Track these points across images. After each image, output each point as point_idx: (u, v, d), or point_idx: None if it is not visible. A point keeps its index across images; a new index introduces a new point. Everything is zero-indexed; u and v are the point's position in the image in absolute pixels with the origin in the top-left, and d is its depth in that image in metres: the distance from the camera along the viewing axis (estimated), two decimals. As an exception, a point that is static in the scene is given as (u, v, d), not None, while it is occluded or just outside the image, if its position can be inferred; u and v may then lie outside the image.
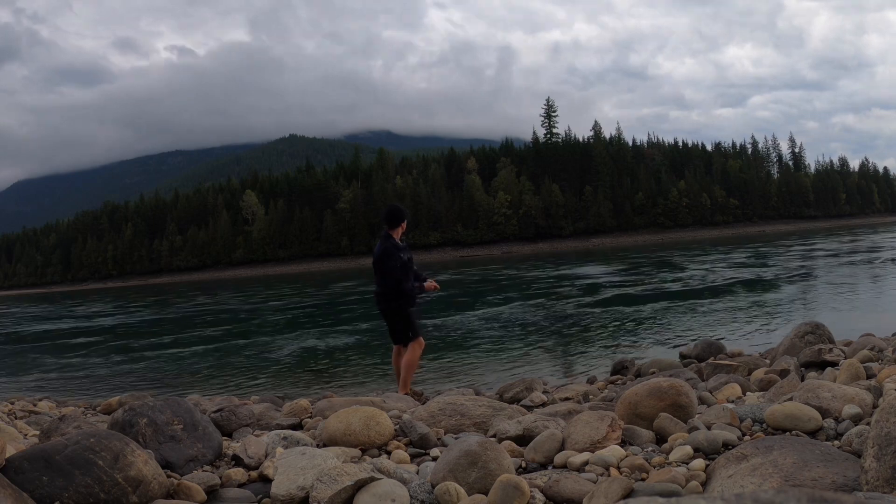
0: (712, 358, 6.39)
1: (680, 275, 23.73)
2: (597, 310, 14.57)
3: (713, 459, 2.54)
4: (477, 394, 5.90)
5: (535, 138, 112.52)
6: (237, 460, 2.93)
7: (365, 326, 14.24)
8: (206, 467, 2.90)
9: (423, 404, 4.53)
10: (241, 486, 2.68)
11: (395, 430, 3.34)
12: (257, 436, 3.36)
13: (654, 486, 2.33)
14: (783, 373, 4.56)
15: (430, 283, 6.08)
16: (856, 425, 2.71)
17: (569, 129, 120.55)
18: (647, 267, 30.28)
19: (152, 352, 13.49)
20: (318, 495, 2.35)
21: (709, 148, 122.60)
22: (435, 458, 2.90)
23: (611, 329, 11.64)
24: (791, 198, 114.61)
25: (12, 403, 6.73)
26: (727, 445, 2.68)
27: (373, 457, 3.00)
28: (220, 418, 3.82)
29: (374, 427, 3.18)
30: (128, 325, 22.80)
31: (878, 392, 3.20)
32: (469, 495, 2.35)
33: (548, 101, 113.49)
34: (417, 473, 2.67)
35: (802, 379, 4.18)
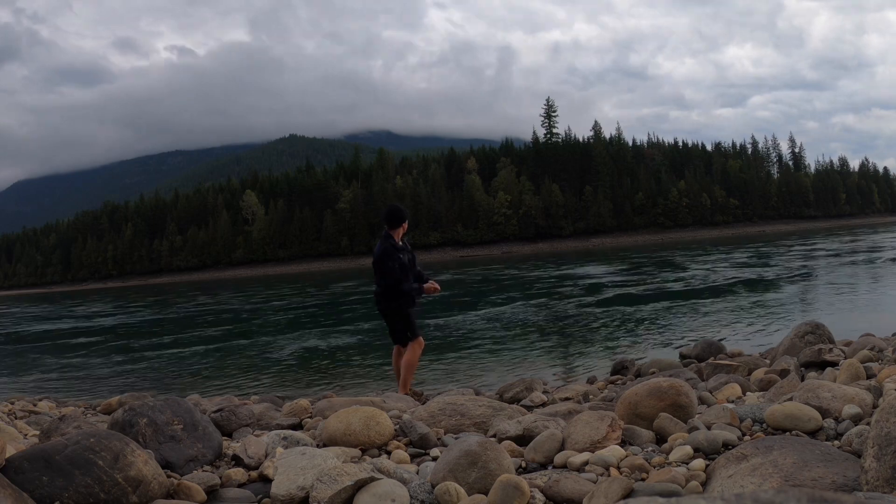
0: (712, 358, 6.39)
1: (680, 275, 23.73)
2: (597, 310, 14.57)
3: (713, 459, 2.54)
4: (477, 394, 5.90)
5: (535, 138, 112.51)
6: (237, 460, 2.93)
7: (365, 326, 14.24)
8: (206, 467, 2.90)
9: (423, 404, 4.53)
10: (241, 486, 2.68)
11: (395, 430, 3.34)
12: (257, 436, 3.36)
13: (654, 486, 2.33)
14: (783, 373, 4.56)
15: (429, 285, 6.03)
16: (856, 425, 2.71)
17: (569, 129, 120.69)
18: (647, 267, 30.28)
19: (152, 352, 13.49)
20: (318, 495, 2.35)
21: (709, 148, 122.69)
22: (435, 458, 2.90)
23: (611, 329, 11.64)
24: (791, 198, 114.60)
25: (12, 403, 6.73)
26: (727, 445, 2.68)
27: (373, 457, 3.00)
28: (220, 418, 3.82)
29: (374, 427, 3.18)
30: (128, 325, 22.80)
31: (878, 392, 3.20)
32: (469, 495, 2.35)
33: (548, 101, 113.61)
34: (417, 473, 2.67)
35: (802, 379, 4.18)
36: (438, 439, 3.30)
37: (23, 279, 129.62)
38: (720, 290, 16.79)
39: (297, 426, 3.98)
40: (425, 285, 6.01)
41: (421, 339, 6.04)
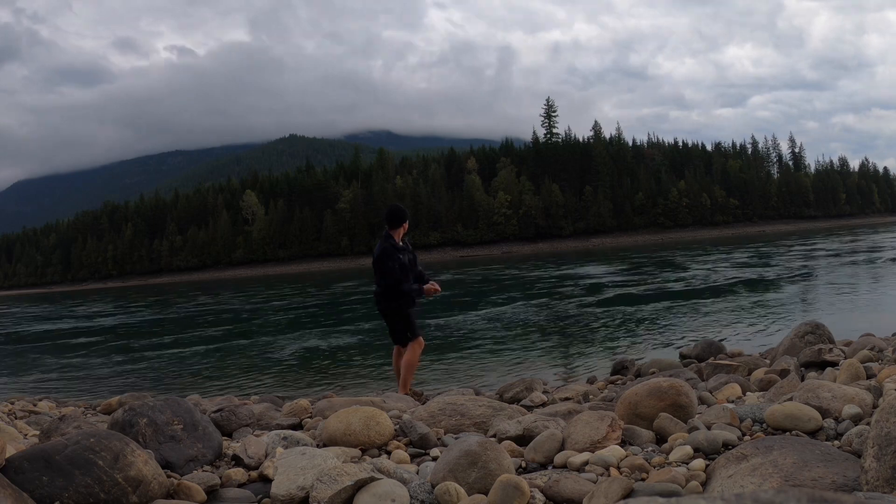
0: (712, 358, 6.39)
1: (680, 275, 23.73)
2: (597, 310, 14.57)
3: (713, 459, 2.54)
4: (477, 394, 5.90)
5: (535, 138, 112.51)
6: (237, 460, 2.93)
7: (365, 327, 14.24)
8: (206, 467, 2.90)
9: (423, 404, 4.53)
10: (241, 486, 2.68)
11: (395, 430, 3.34)
12: (257, 436, 3.36)
13: (654, 486, 2.33)
14: (783, 373, 4.56)
15: (429, 286, 5.99)
16: (856, 425, 2.71)
17: (569, 129, 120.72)
18: (647, 267, 30.28)
19: (152, 352, 13.49)
20: (318, 495, 2.35)
21: (709, 148, 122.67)
22: (435, 458, 2.90)
23: (611, 329, 11.64)
24: (791, 198, 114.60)
25: (12, 403, 6.73)
26: (727, 445, 2.68)
27: (373, 457, 3.00)
28: (220, 418, 3.82)
29: (374, 427, 3.18)
30: (128, 325, 22.80)
31: (878, 392, 3.20)
32: (469, 495, 2.35)
33: (548, 101, 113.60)
34: (417, 473, 2.67)
35: (802, 379, 4.18)
36: (438, 439, 3.30)
37: (23, 279, 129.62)
38: (720, 290, 16.79)
39: (297, 426, 3.98)
40: (425, 286, 5.99)
41: (421, 339, 6.03)
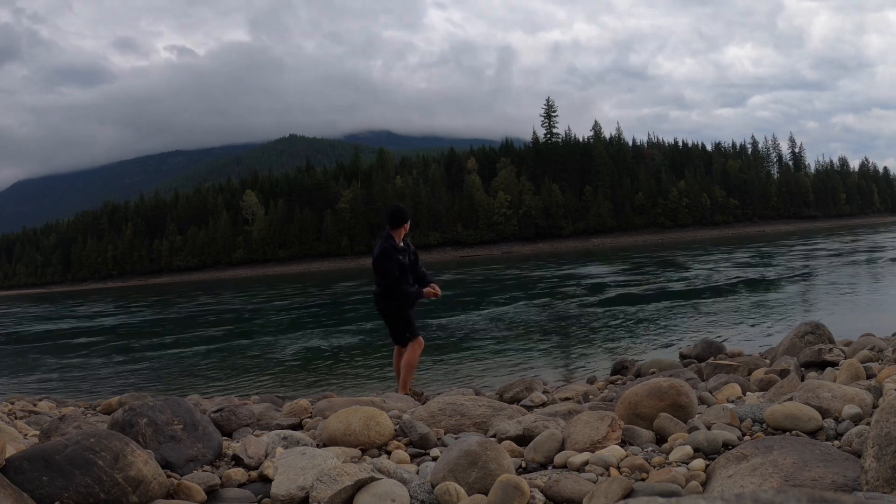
0: (712, 358, 6.39)
1: (680, 274, 23.74)
2: (597, 310, 14.57)
3: (713, 459, 2.54)
4: (477, 394, 5.89)
5: (535, 138, 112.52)
6: (237, 460, 2.93)
7: (366, 327, 14.25)
8: (206, 467, 2.90)
9: (423, 404, 4.52)
10: (241, 486, 2.68)
11: (395, 430, 3.34)
12: (257, 436, 3.36)
13: (654, 486, 2.33)
14: (783, 373, 4.56)
15: (429, 290, 5.94)
16: (856, 425, 2.71)
17: (569, 129, 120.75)
18: (647, 267, 30.28)
19: (153, 352, 13.50)
20: (318, 495, 2.35)
21: (709, 148, 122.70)
22: (435, 458, 2.90)
23: (611, 329, 11.64)
24: (791, 198, 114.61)
25: (12, 403, 6.73)
26: (727, 445, 2.68)
27: (373, 457, 3.00)
28: (220, 418, 3.82)
29: (374, 427, 3.18)
30: (128, 325, 22.81)
31: (878, 392, 3.20)
32: (469, 495, 2.35)
33: (548, 101, 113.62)
34: (417, 473, 2.67)
35: (802, 379, 4.18)
36: (438, 439, 3.30)
37: (23, 279, 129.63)
38: (720, 290, 16.79)
39: (297, 426, 3.98)
40: (425, 290, 5.94)
41: (420, 338, 6.02)
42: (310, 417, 4.18)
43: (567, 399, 5.06)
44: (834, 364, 4.59)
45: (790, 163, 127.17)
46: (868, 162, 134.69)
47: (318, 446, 3.09)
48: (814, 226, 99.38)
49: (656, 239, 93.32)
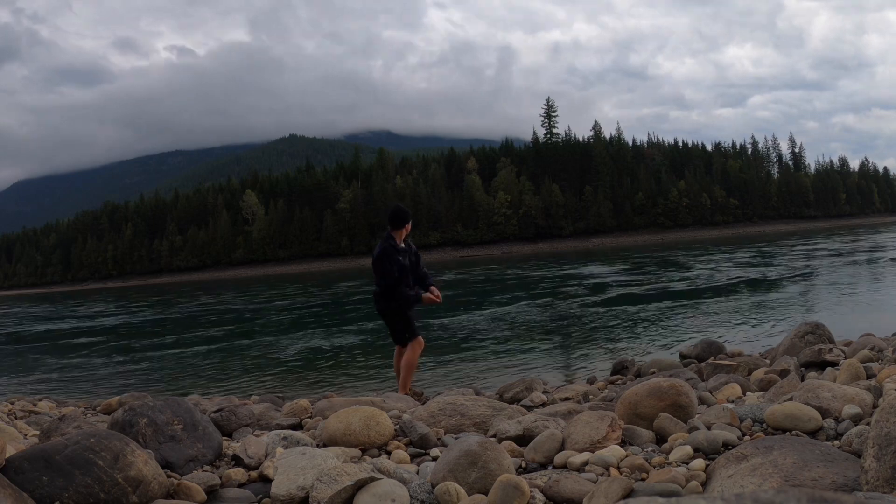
0: (712, 358, 6.39)
1: (680, 274, 23.73)
2: (597, 310, 14.57)
3: (713, 459, 2.54)
4: (477, 394, 5.89)
5: (535, 138, 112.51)
6: (237, 460, 2.93)
7: (366, 327, 14.25)
8: (206, 467, 2.90)
9: (423, 404, 4.52)
10: (241, 486, 2.68)
11: (395, 430, 3.34)
12: (257, 436, 3.36)
13: (654, 486, 2.33)
14: (783, 373, 4.56)
15: (428, 296, 5.91)
16: (856, 425, 2.71)
17: (569, 129, 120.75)
18: (648, 267, 30.28)
19: (153, 352, 13.50)
20: (318, 495, 2.35)
21: (709, 148, 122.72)
22: (435, 458, 2.90)
23: (611, 329, 11.64)
24: (791, 198, 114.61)
25: (12, 403, 6.73)
26: (727, 445, 2.68)
27: (373, 457, 3.00)
28: (220, 418, 3.82)
29: (374, 427, 3.18)
30: (129, 325, 22.81)
31: (878, 392, 3.20)
32: (469, 495, 2.35)
33: (548, 101, 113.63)
34: (417, 473, 2.67)
35: (802, 379, 4.18)
36: (438, 439, 3.30)
37: (23, 279, 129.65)
38: (720, 290, 16.79)
39: (297, 426, 3.98)
40: (424, 295, 5.90)
41: (420, 339, 6.01)
42: (310, 417, 4.18)
43: (567, 399, 5.06)
44: (834, 364, 4.59)
45: (790, 163, 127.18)
46: (868, 162, 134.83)
47: (318, 446, 3.09)
48: (814, 226, 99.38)
49: (656, 239, 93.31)
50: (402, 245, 5.92)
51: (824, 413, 2.89)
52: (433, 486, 2.40)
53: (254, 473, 2.76)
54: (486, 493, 2.33)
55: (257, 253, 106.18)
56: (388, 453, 3.08)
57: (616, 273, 28.02)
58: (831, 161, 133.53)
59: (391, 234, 5.89)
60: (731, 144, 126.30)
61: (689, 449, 2.64)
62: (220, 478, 2.69)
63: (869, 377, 3.71)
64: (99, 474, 2.33)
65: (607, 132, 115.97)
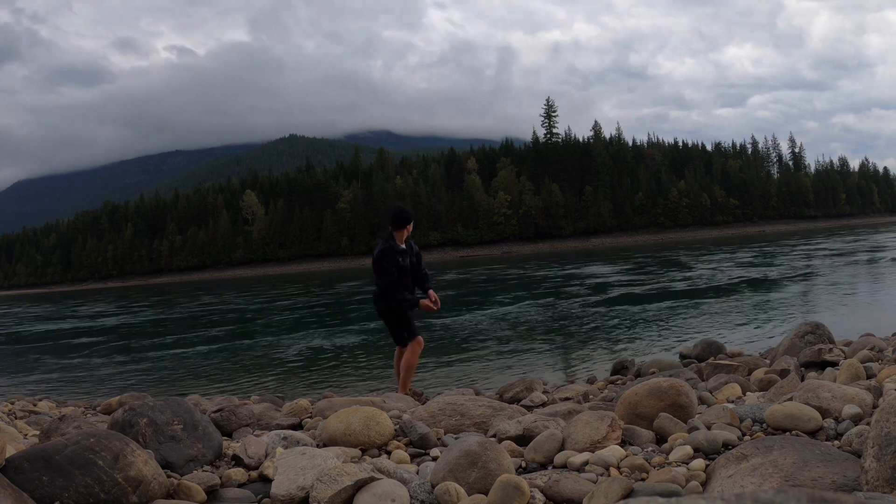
0: (712, 358, 6.39)
1: (680, 275, 23.74)
2: (597, 309, 14.57)
3: (713, 459, 2.54)
4: (477, 394, 5.89)
5: (535, 138, 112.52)
6: (237, 460, 2.93)
7: (366, 327, 14.25)
8: (206, 467, 2.90)
9: (423, 404, 4.52)
10: (241, 486, 2.68)
11: (395, 430, 3.34)
12: (257, 436, 3.36)
13: (654, 486, 2.33)
14: (783, 373, 4.56)
15: (426, 303, 5.88)
16: (856, 425, 2.71)
17: (569, 129, 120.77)
18: (648, 267, 30.28)
19: (153, 352, 13.50)
20: (318, 495, 2.35)
21: (709, 148, 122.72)
22: (435, 458, 2.90)
23: (611, 329, 11.64)
24: (791, 198, 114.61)
25: (12, 403, 6.73)
26: (727, 445, 2.68)
27: (373, 457, 3.00)
28: (220, 418, 3.82)
29: (374, 427, 3.18)
30: (129, 325, 22.81)
31: (878, 392, 3.20)
32: (469, 495, 2.35)
33: (548, 101, 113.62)
34: (417, 473, 2.67)
35: (802, 379, 4.18)
36: (438, 439, 3.30)
37: (23, 279, 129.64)
38: (720, 290, 16.79)
39: (297, 426, 3.98)
40: (422, 302, 5.88)
41: (420, 339, 6.01)
42: (310, 417, 4.18)
43: (567, 399, 5.06)
44: (834, 364, 4.59)
45: (790, 163, 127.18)
46: (868, 162, 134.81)
47: (318, 446, 3.09)
48: (814, 226, 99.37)
49: (656, 239, 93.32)
50: (403, 246, 5.91)
51: (824, 413, 2.89)
52: (433, 486, 2.40)
53: (254, 473, 2.76)
54: (486, 493, 2.33)
55: (257, 253, 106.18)
56: (388, 453, 3.09)
57: (616, 273, 28.02)
58: (831, 161, 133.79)
59: (392, 234, 5.88)
60: (731, 144, 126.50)
61: (689, 449, 2.64)
62: (220, 478, 2.69)
63: (869, 377, 3.71)
64: (99, 474, 2.33)
65: (607, 132, 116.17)
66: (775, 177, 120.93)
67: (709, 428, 2.89)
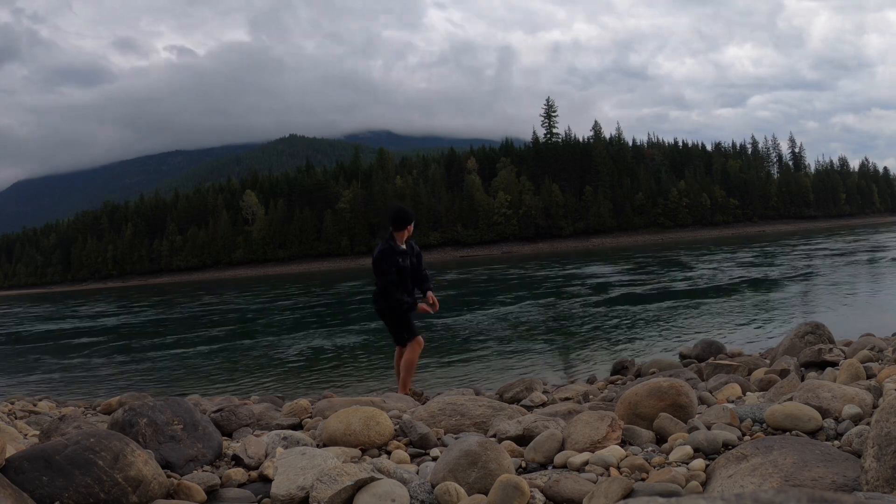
0: (712, 358, 6.39)
1: (680, 274, 23.73)
2: (597, 309, 14.57)
3: (713, 459, 2.54)
4: (477, 394, 5.89)
5: (535, 138, 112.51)
6: (237, 460, 2.93)
7: (366, 327, 14.25)
8: (206, 467, 2.90)
9: (423, 404, 4.52)
10: (241, 486, 2.68)
11: (395, 430, 3.34)
12: (257, 436, 3.36)
13: (654, 486, 2.33)
14: (783, 373, 4.56)
15: (422, 307, 5.88)
16: (856, 425, 2.71)
17: (569, 129, 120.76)
18: (648, 267, 30.28)
19: (153, 352, 13.50)
20: (318, 495, 2.35)
21: (709, 148, 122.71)
22: (435, 458, 2.90)
23: (611, 329, 11.64)
24: (791, 198, 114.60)
25: (12, 403, 6.73)
26: (727, 445, 2.68)
27: (373, 457, 3.00)
28: (220, 418, 3.82)
29: (374, 427, 3.18)
30: (129, 325, 22.81)
31: (878, 392, 3.20)
32: (469, 495, 2.35)
33: (548, 101, 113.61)
34: (417, 473, 2.67)
35: (802, 379, 4.18)
36: (438, 439, 3.30)
37: (23, 279, 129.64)
38: (720, 290, 16.79)
39: (297, 426, 3.98)
40: (419, 304, 5.89)
41: (420, 339, 6.01)
42: (310, 417, 4.18)
43: (567, 399, 5.06)
44: (834, 364, 4.59)
45: (790, 163, 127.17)
46: (868, 162, 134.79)
47: (318, 446, 3.09)
48: (814, 226, 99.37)
49: (656, 239, 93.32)
50: (404, 246, 5.90)
51: (824, 413, 2.89)
52: (433, 486, 2.40)
53: (254, 473, 2.76)
54: (486, 493, 2.33)
55: (257, 253, 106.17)
56: (388, 453, 3.08)
57: (616, 273, 28.02)
58: (831, 161, 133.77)
59: (393, 234, 5.88)
60: (731, 144, 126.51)
61: (689, 449, 2.64)
62: (220, 478, 2.69)
63: (869, 377, 3.71)
64: (99, 474, 2.33)
65: (607, 132, 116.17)
66: (775, 177, 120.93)
67: (709, 428, 2.89)
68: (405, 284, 5.85)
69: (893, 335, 6.58)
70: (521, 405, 4.91)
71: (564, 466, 2.69)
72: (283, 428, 3.80)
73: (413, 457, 3.06)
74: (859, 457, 2.23)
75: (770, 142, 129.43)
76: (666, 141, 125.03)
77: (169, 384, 9.45)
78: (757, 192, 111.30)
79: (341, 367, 9.71)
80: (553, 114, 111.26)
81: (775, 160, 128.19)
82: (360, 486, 2.32)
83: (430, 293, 6.01)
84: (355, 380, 8.58)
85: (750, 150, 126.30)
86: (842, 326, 8.07)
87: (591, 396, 5.27)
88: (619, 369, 7.08)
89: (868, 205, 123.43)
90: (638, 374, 6.46)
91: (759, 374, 4.86)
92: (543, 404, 4.93)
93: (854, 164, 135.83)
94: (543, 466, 2.76)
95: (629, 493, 2.24)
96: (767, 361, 5.73)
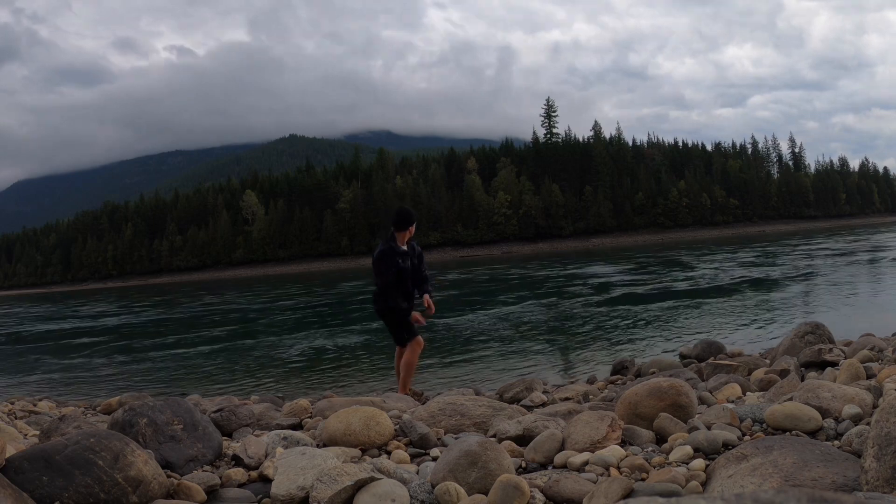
0: (712, 358, 6.39)
1: (680, 275, 23.73)
2: (598, 309, 14.57)
3: (713, 459, 2.54)
4: (477, 394, 5.89)
5: (535, 138, 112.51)
6: (237, 460, 2.93)
7: (366, 327, 14.25)
8: (206, 467, 2.90)
9: (423, 404, 4.52)
10: (241, 486, 2.68)
11: (395, 430, 3.34)
12: (257, 436, 3.36)
13: (654, 486, 2.33)
14: (783, 373, 4.56)
15: (416, 314, 5.86)
16: (856, 425, 2.71)
17: (569, 129, 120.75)
18: (648, 267, 30.28)
19: (153, 352, 13.50)
20: (318, 495, 2.35)
21: (709, 148, 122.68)
22: (435, 458, 2.90)
23: (611, 329, 11.64)
24: (791, 198, 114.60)
25: (12, 403, 6.73)
26: (727, 445, 2.68)
27: (373, 457, 3.00)
28: (220, 418, 3.82)
29: (374, 427, 3.18)
30: (130, 325, 22.81)
31: (878, 392, 3.20)
32: (469, 495, 2.35)
33: (548, 101, 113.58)
34: (417, 473, 2.67)
35: (802, 379, 4.18)
36: (438, 439, 3.30)
37: (23, 279, 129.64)
38: (720, 290, 16.79)
39: (297, 426, 3.98)
40: (414, 313, 5.88)
41: (420, 338, 6.00)
42: (310, 417, 4.18)
43: (567, 399, 5.06)
44: (834, 364, 4.59)
45: (790, 163, 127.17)
46: (868, 162, 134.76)
47: (318, 446, 3.09)
48: (814, 226, 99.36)
49: (656, 239, 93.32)
50: (405, 247, 5.90)
51: (824, 413, 2.89)
52: (433, 486, 2.40)
53: (254, 473, 2.76)
54: (486, 493, 2.33)
55: (257, 253, 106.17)
56: (388, 453, 3.09)
57: (616, 273, 28.02)
58: (831, 161, 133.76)
59: (394, 235, 5.88)
60: (731, 144, 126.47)
61: (689, 449, 2.64)
62: (220, 478, 2.69)
63: (869, 377, 3.71)
64: (99, 474, 2.33)
65: (607, 132, 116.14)
66: (775, 177, 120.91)
67: (709, 428, 2.89)
68: (405, 286, 5.84)
69: (893, 335, 6.58)
70: (521, 405, 4.91)
71: (564, 466, 2.69)
72: (283, 428, 3.80)
73: (413, 457, 3.06)
74: (859, 457, 2.23)
75: (770, 142, 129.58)
76: (666, 141, 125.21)
77: (169, 384, 9.45)
78: (757, 192, 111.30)
79: (341, 367, 9.71)
80: (553, 114, 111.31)
81: (775, 160, 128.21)
82: (360, 486, 2.32)
83: (426, 296, 5.99)
84: (355, 380, 8.59)
85: (750, 150, 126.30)
86: (842, 326, 8.07)
87: (591, 396, 5.27)
88: (619, 369, 7.08)
89: (868, 205, 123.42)
90: (638, 374, 6.46)
91: (759, 374, 4.86)
92: (543, 404, 4.93)
93: (854, 164, 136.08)
94: (543, 466, 2.76)
95: (629, 493, 2.24)
96: (767, 361, 5.73)
